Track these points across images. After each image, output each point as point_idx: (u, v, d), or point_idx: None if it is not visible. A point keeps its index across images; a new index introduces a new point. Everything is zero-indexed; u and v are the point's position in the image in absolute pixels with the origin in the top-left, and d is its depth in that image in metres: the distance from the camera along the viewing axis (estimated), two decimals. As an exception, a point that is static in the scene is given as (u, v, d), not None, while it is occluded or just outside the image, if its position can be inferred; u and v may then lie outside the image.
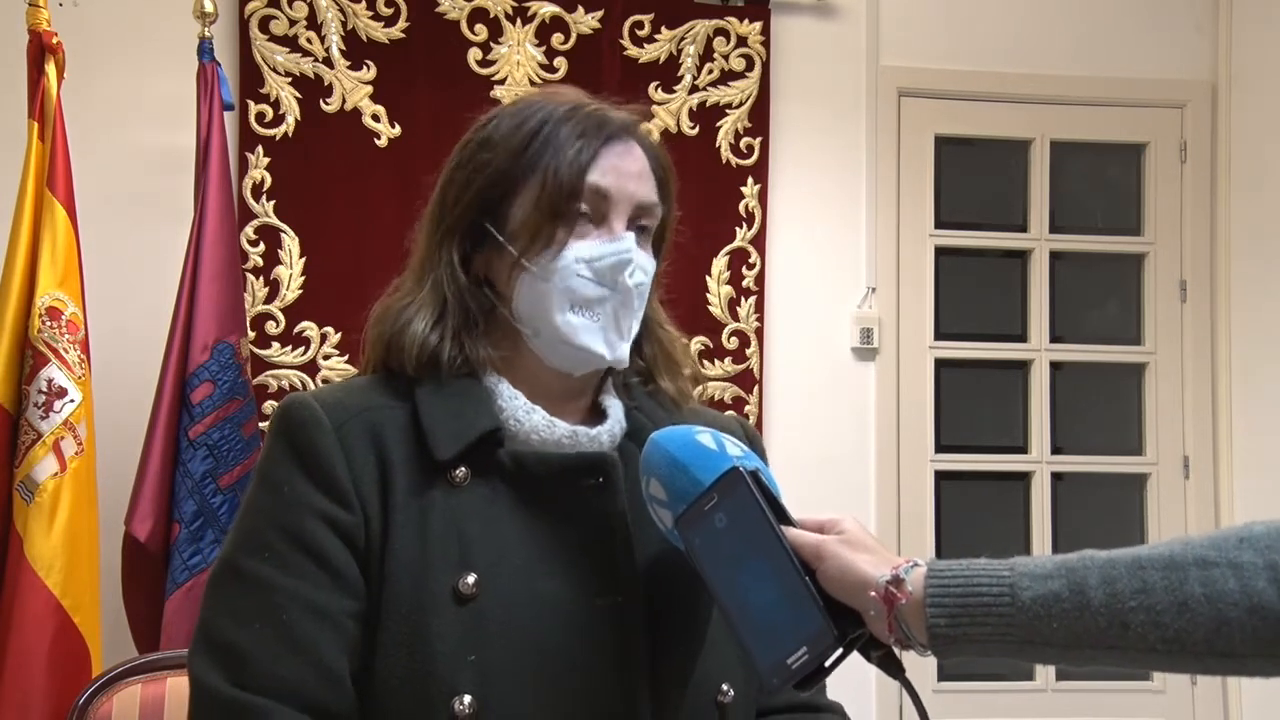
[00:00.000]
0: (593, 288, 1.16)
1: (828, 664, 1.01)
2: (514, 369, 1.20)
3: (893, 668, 1.03)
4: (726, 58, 3.34)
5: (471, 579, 1.09)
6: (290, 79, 3.11)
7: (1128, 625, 0.92)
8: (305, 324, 3.11)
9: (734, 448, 1.11)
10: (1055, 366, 3.58)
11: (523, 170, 1.17)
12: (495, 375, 1.19)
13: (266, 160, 3.09)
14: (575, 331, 1.16)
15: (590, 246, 1.16)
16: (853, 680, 1.05)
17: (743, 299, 3.33)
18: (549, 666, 1.10)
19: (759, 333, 3.34)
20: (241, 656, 1.07)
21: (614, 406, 1.25)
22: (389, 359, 1.20)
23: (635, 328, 1.21)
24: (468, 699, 1.06)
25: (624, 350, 1.19)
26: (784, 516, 1.06)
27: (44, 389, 2.43)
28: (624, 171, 1.18)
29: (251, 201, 3.08)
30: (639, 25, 3.30)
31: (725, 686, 1.18)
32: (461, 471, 1.13)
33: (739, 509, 1.04)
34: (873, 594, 0.99)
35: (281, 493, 1.12)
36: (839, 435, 3.40)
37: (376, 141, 3.15)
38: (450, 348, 1.18)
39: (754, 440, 1.32)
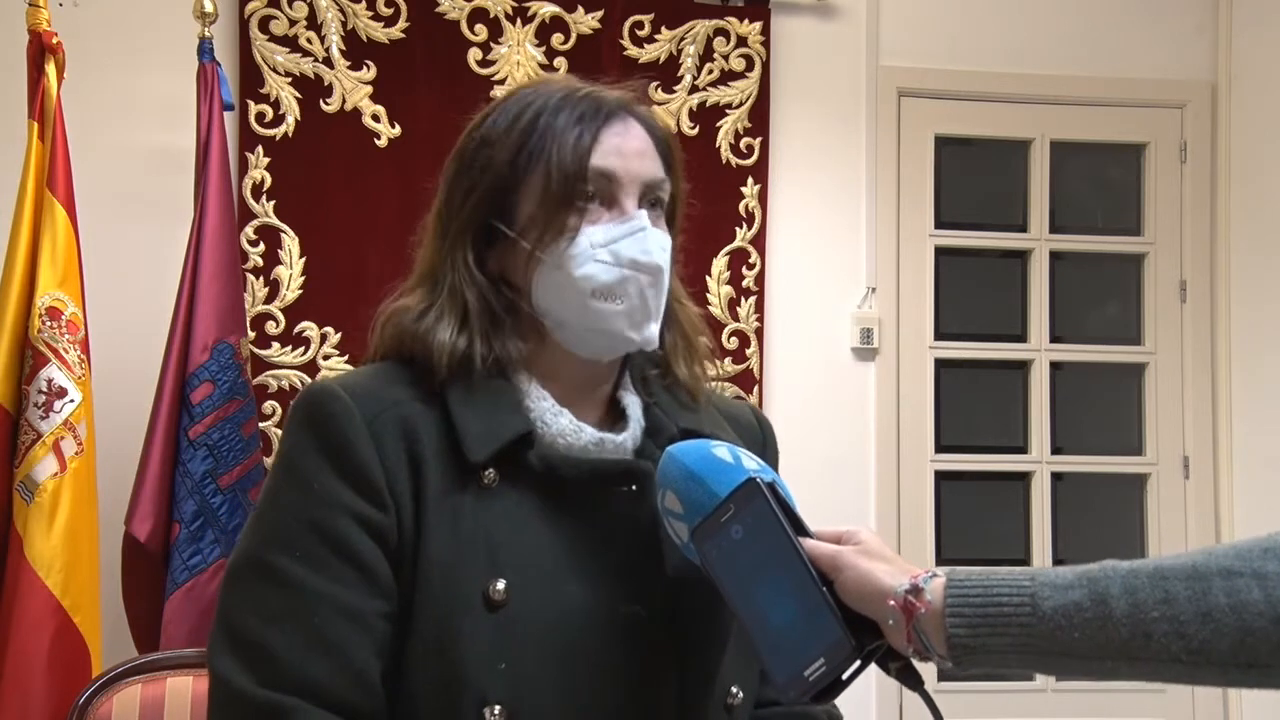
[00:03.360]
0: (613, 270, 1.14)
1: (845, 676, 1.00)
2: (538, 364, 1.18)
3: (911, 679, 1.03)
4: (726, 58, 3.33)
5: (501, 584, 1.07)
6: (290, 79, 3.10)
7: (1150, 636, 0.91)
8: (305, 324, 3.10)
9: (750, 460, 1.11)
10: (1055, 366, 3.57)
11: (525, 163, 1.16)
12: (525, 375, 1.18)
13: (266, 160, 3.08)
14: (601, 317, 1.15)
15: (604, 230, 1.15)
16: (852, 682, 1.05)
17: (743, 299, 3.33)
18: (579, 676, 1.09)
19: (759, 333, 3.33)
20: (270, 656, 1.04)
21: (633, 405, 1.23)
22: (414, 359, 1.17)
23: (662, 306, 1.19)
24: (499, 709, 1.05)
25: (653, 331, 1.18)
26: (801, 528, 1.05)
27: (44, 389, 2.42)
28: (626, 151, 1.17)
29: (251, 201, 3.07)
30: (639, 25, 3.29)
31: (735, 689, 1.18)
32: (491, 473, 1.11)
33: (756, 520, 1.03)
34: (891, 603, 0.99)
35: (312, 489, 1.09)
36: (839, 435, 3.39)
37: (376, 141, 3.14)
38: (481, 348, 1.15)
39: (765, 427, 1.33)
